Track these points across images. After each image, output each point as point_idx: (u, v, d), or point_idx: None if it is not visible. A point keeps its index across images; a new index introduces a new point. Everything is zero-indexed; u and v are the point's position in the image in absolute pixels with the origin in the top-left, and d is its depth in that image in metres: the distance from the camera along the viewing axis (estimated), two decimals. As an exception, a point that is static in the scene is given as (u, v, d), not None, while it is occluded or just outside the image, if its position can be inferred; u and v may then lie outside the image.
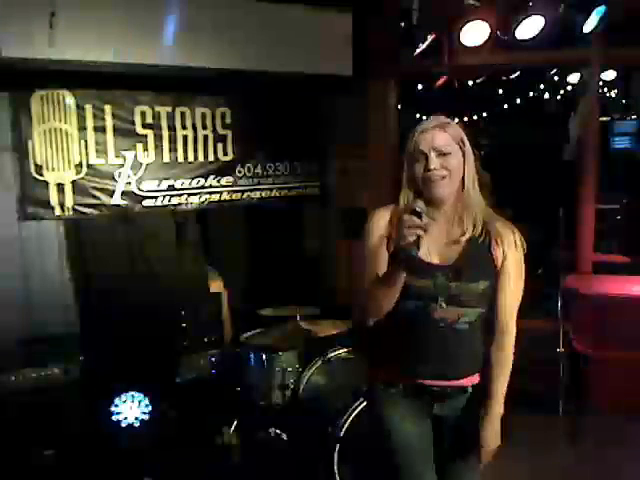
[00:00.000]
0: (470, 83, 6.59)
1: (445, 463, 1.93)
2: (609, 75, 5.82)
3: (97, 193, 3.67)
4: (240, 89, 4.05)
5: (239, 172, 4.23)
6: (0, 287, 3.37)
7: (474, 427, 1.89)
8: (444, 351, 1.81)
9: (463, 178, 1.76)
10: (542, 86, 7.78)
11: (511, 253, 1.78)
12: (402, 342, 1.82)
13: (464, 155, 1.76)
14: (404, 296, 1.71)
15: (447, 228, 1.80)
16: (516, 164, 7.21)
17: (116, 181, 3.72)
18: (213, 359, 3.60)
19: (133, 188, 3.79)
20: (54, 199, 3.54)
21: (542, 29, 3.49)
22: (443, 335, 1.79)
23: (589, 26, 3.54)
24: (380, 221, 1.80)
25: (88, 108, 3.59)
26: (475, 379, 1.89)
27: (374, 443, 1.99)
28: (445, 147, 1.72)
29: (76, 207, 3.61)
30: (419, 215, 1.59)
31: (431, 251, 1.78)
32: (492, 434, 1.87)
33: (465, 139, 1.77)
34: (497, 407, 1.87)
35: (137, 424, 3.31)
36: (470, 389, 1.87)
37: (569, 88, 7.07)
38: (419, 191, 1.76)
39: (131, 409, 3.31)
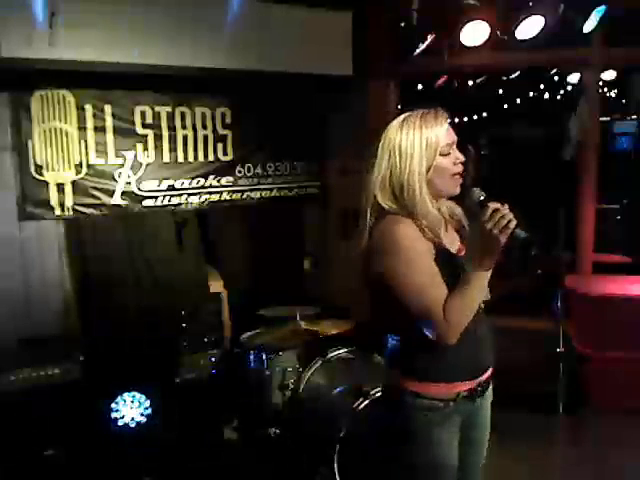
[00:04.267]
0: (470, 83, 6.58)
1: (468, 460, 1.88)
2: (609, 75, 5.81)
3: (97, 193, 3.67)
4: (240, 89, 4.05)
5: (239, 172, 4.23)
6: (0, 287, 3.37)
7: (487, 422, 1.90)
8: (486, 336, 1.78)
9: None
10: (542, 86, 7.78)
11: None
12: (463, 345, 1.65)
13: None
14: None
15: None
16: (516, 164, 7.21)
17: (116, 181, 3.72)
18: (213, 359, 3.60)
19: (133, 188, 3.79)
20: (54, 199, 3.54)
21: (542, 29, 3.49)
22: (482, 322, 1.75)
23: (589, 26, 3.54)
24: (415, 232, 1.65)
25: (88, 108, 3.59)
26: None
27: (421, 467, 1.77)
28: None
29: (76, 207, 3.61)
30: (487, 200, 1.55)
31: (451, 240, 1.78)
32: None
33: None
34: None
35: (137, 424, 3.31)
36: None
37: (569, 88, 7.06)
38: (437, 189, 1.69)
39: (131, 409, 3.31)
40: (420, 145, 1.65)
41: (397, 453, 1.80)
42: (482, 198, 1.59)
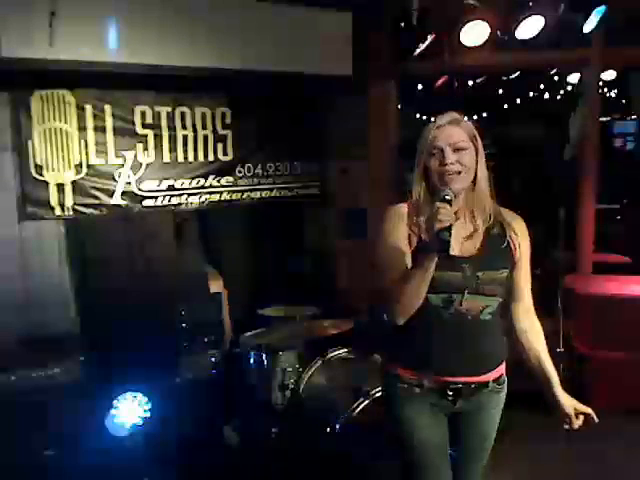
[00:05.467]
0: (470, 83, 6.59)
1: (459, 460, 1.94)
2: (609, 75, 5.81)
3: (97, 193, 3.67)
4: (240, 89, 4.05)
5: (239, 172, 4.23)
6: (0, 287, 3.37)
7: (490, 425, 1.93)
8: (473, 346, 1.81)
9: (475, 173, 1.80)
10: (542, 86, 7.78)
11: (524, 241, 1.88)
12: (427, 338, 1.80)
13: (477, 151, 1.80)
14: (432, 290, 1.72)
15: (460, 222, 1.82)
16: (516, 164, 7.21)
17: (116, 181, 3.72)
18: (213, 359, 3.60)
19: (133, 188, 3.79)
20: (54, 199, 3.54)
21: (542, 29, 3.49)
22: (471, 328, 1.80)
23: (589, 26, 3.54)
24: (398, 217, 1.81)
25: (88, 108, 3.59)
26: (496, 374, 1.88)
27: (391, 440, 1.96)
28: (460, 143, 1.76)
29: (76, 207, 3.61)
30: (449, 202, 1.63)
31: (453, 244, 1.79)
32: (567, 397, 1.94)
33: (477, 135, 1.82)
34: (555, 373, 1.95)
35: (137, 424, 3.31)
36: (491, 384, 1.87)
37: (569, 88, 7.06)
38: (433, 185, 1.78)
39: (131, 409, 3.30)
40: (421, 143, 1.80)
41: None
42: (448, 197, 1.65)
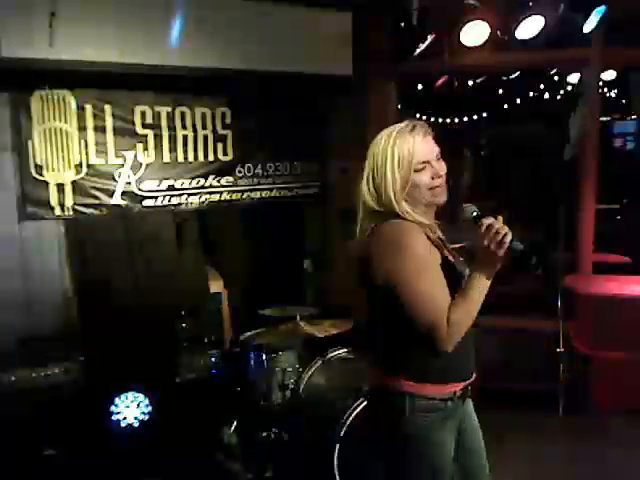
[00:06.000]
0: (470, 83, 6.58)
1: (469, 463, 1.90)
2: (609, 75, 5.81)
3: (97, 193, 3.67)
4: (240, 89, 4.05)
5: (239, 172, 4.23)
6: (0, 287, 3.37)
7: (475, 420, 1.92)
8: (471, 342, 1.80)
9: None
10: (542, 86, 7.77)
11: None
12: (460, 347, 1.68)
13: None
14: None
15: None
16: (516, 164, 7.21)
17: (116, 181, 3.72)
18: (213, 359, 3.60)
19: (133, 188, 3.79)
20: (54, 199, 3.54)
21: (542, 29, 3.49)
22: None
23: (589, 26, 3.54)
24: (427, 242, 1.67)
25: (88, 108, 3.59)
26: None
27: (418, 467, 1.76)
28: (439, 152, 1.73)
29: (76, 207, 3.61)
30: (480, 215, 1.60)
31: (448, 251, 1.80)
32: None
33: None
34: None
35: (137, 424, 3.31)
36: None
37: (569, 88, 7.06)
38: (416, 202, 1.70)
39: (131, 409, 3.31)
40: (392, 159, 1.67)
41: (397, 455, 1.78)
42: (475, 214, 1.61)
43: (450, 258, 1.76)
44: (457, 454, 1.81)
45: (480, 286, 1.62)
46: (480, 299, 1.63)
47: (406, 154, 1.67)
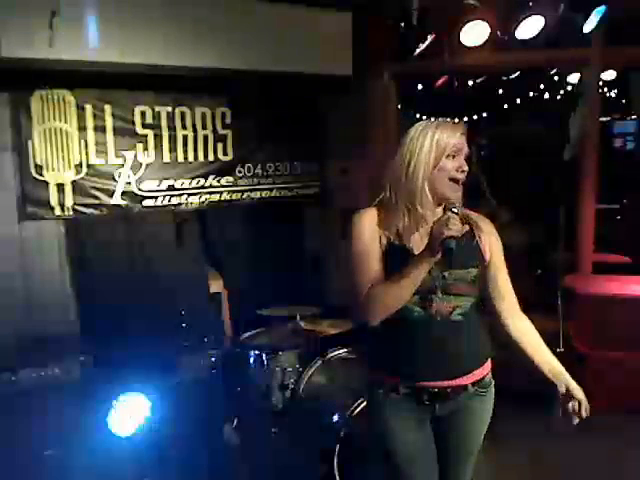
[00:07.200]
0: (470, 83, 6.58)
1: (444, 463, 1.93)
2: (609, 75, 5.81)
3: (97, 193, 3.67)
4: (240, 89, 4.05)
5: (239, 172, 4.23)
6: (0, 287, 3.37)
7: (475, 427, 1.91)
8: (443, 348, 1.80)
9: None
10: (542, 86, 7.77)
11: (493, 239, 1.91)
12: (400, 343, 1.81)
13: None
14: None
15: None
16: (516, 164, 7.20)
17: (116, 181, 3.72)
18: (213, 359, 3.59)
19: (133, 188, 3.79)
20: (54, 199, 3.54)
21: (542, 29, 3.49)
22: (441, 330, 1.79)
23: (589, 26, 3.54)
24: (371, 221, 1.82)
25: (88, 108, 3.59)
26: (475, 377, 1.87)
27: (374, 445, 1.97)
28: (468, 154, 1.81)
29: (76, 207, 3.61)
30: (457, 215, 1.66)
31: (423, 244, 1.78)
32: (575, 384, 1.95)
33: None
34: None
35: (137, 424, 3.31)
36: (471, 387, 1.85)
37: (569, 88, 7.06)
38: (435, 188, 1.77)
39: (131, 409, 3.30)
40: (431, 142, 1.77)
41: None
42: (455, 210, 1.68)
43: (411, 247, 1.80)
44: (439, 439, 1.92)
45: (412, 267, 1.68)
46: (409, 279, 1.69)
47: (445, 139, 1.77)
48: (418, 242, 1.79)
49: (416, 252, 1.75)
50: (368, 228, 1.82)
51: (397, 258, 1.75)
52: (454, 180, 1.77)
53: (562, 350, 3.77)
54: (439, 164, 1.76)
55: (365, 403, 2.04)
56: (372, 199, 1.92)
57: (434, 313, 1.78)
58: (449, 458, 1.94)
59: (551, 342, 3.84)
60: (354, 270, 1.80)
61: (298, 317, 3.36)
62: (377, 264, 1.78)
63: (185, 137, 3.96)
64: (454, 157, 1.77)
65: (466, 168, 1.78)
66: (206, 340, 3.67)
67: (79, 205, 3.62)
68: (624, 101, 8.15)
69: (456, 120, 1.88)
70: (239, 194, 4.25)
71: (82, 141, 3.59)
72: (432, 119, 1.89)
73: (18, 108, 3.40)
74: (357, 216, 1.85)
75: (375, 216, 1.83)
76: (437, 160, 1.76)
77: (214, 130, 4.08)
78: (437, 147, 1.76)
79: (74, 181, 3.59)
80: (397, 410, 1.86)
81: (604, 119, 8.17)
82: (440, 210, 1.80)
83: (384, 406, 1.87)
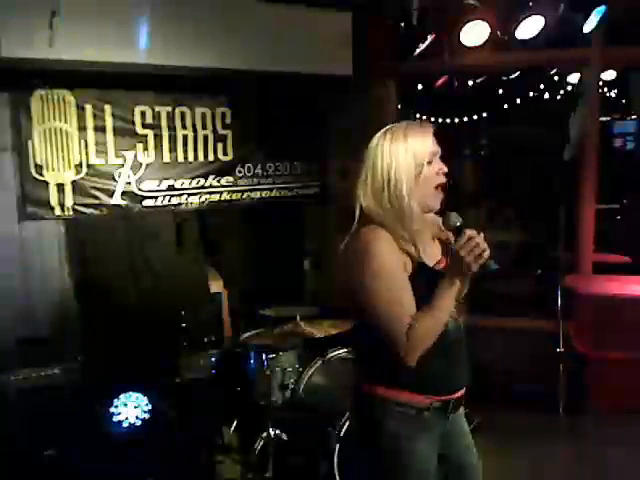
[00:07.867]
0: (470, 83, 6.58)
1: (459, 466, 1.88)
2: (609, 75, 5.81)
3: (97, 193, 3.67)
4: (240, 89, 4.05)
5: (239, 172, 4.23)
6: (0, 287, 3.37)
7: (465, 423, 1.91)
8: (464, 355, 1.79)
9: None
10: (542, 86, 7.77)
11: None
12: (437, 357, 1.66)
13: None
14: None
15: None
16: (516, 164, 7.20)
17: (116, 181, 3.72)
18: (213, 359, 3.59)
19: (133, 188, 3.79)
20: (54, 199, 3.54)
21: (542, 29, 3.49)
22: (460, 337, 1.78)
23: (589, 26, 3.54)
24: (391, 248, 1.64)
25: (88, 108, 3.59)
26: None
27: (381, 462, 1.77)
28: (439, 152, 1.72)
29: (76, 207, 3.61)
30: (462, 228, 1.57)
31: (431, 256, 1.75)
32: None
33: None
34: None
35: (137, 424, 3.31)
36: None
37: (569, 88, 7.06)
38: (419, 198, 1.67)
39: (131, 409, 3.30)
40: (406, 154, 1.65)
41: (371, 457, 1.79)
42: (459, 224, 1.59)
43: (428, 262, 1.70)
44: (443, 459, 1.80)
45: (446, 296, 1.60)
46: (446, 308, 1.60)
47: (421, 147, 1.66)
48: (430, 256, 1.73)
49: (431, 264, 1.68)
50: (393, 255, 1.63)
51: (426, 279, 1.64)
52: (438, 186, 1.69)
53: (562, 350, 3.78)
54: (421, 175, 1.65)
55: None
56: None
57: (461, 323, 1.77)
58: (464, 458, 1.90)
59: (551, 342, 3.87)
60: (387, 312, 1.60)
61: (298, 317, 3.36)
62: (410, 296, 1.62)
63: (185, 137, 3.95)
64: (430, 162, 1.67)
65: (445, 169, 1.69)
66: (206, 340, 3.68)
67: (79, 205, 3.62)
68: (624, 101, 8.15)
69: (423, 119, 1.75)
70: (239, 194, 4.25)
71: (82, 141, 3.59)
72: (389, 126, 1.73)
73: (18, 108, 3.40)
74: (374, 244, 1.62)
75: (390, 239, 1.63)
76: (418, 171, 1.65)
77: (214, 130, 4.07)
78: (415, 158, 1.64)
79: (74, 181, 3.59)
80: (422, 434, 1.72)
81: (604, 119, 8.16)
82: (431, 216, 1.75)
83: (411, 431, 1.70)
